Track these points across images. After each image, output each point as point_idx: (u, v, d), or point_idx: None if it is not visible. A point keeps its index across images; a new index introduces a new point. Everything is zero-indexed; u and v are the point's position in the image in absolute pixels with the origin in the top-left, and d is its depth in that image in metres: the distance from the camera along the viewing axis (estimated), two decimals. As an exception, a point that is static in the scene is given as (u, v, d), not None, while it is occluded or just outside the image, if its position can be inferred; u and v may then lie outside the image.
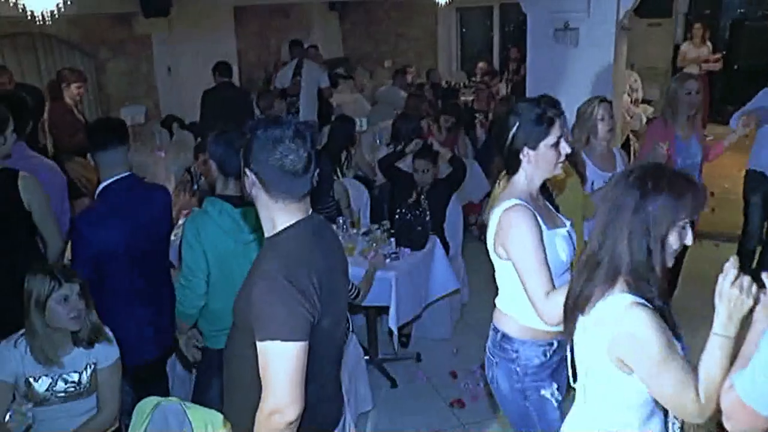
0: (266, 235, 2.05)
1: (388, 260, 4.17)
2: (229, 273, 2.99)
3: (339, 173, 5.77)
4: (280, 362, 1.84)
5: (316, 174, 2.03)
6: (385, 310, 4.18)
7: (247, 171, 1.97)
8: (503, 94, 9.73)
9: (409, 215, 4.31)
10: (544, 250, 2.37)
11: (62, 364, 2.78)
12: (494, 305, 2.70)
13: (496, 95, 9.40)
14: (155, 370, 3.44)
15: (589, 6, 5.53)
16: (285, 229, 2.00)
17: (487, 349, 2.69)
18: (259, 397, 1.88)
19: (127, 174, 3.15)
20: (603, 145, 3.98)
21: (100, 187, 3.15)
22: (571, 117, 3.48)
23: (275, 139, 1.90)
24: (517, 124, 2.43)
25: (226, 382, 2.19)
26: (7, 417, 2.68)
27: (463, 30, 13.57)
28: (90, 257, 3.04)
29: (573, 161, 3.35)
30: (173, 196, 4.17)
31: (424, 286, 4.44)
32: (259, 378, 1.88)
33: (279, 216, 2.00)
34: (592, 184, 3.86)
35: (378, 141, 6.88)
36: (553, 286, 2.34)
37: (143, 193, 3.26)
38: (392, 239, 4.39)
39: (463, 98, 9.57)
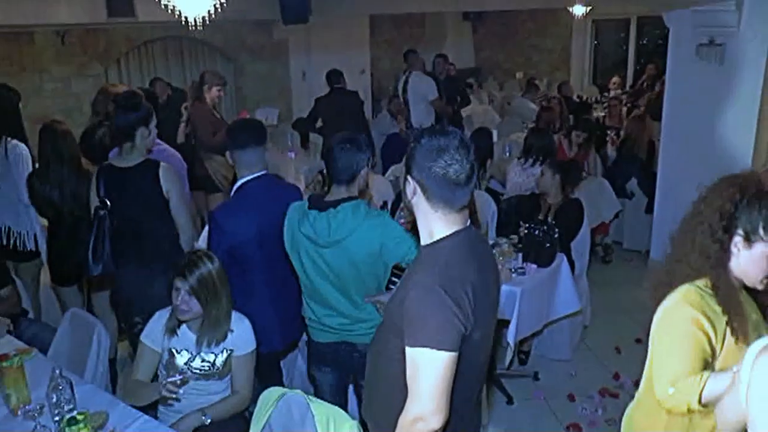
0: (422, 243, 2.05)
1: (514, 275, 4.10)
2: (309, 273, 3.02)
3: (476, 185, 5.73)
4: (429, 370, 1.84)
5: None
6: (505, 323, 4.11)
7: (409, 178, 1.98)
8: (637, 112, 9.38)
9: (538, 231, 4.23)
10: None
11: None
12: None
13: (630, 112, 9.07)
14: (272, 362, 3.55)
15: (739, 21, 5.24)
16: (442, 238, 1.99)
17: None
18: (402, 399, 1.90)
19: (263, 173, 3.30)
20: None
21: (237, 183, 3.31)
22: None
23: (439, 148, 1.90)
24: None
25: (368, 377, 2.22)
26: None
27: (596, 43, 13.17)
28: (225, 248, 3.18)
29: None
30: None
31: (546, 304, 4.34)
32: (404, 380, 1.89)
33: (437, 225, 1.99)
34: None
35: (508, 153, 6.81)
36: None
37: (277, 190, 3.37)
38: (519, 254, 4.30)
39: (594, 114, 9.31)
